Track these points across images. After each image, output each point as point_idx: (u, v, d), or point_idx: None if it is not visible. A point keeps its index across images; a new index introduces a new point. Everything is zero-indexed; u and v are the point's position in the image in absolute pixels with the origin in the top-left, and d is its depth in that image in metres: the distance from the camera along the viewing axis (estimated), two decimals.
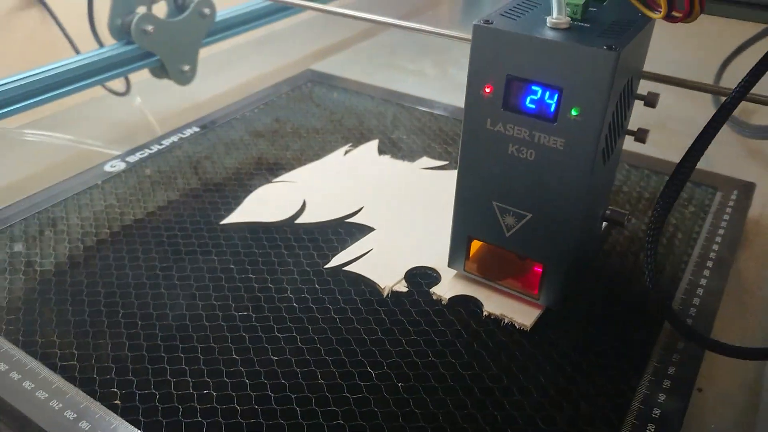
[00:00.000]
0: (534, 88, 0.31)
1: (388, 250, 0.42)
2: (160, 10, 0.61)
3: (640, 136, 0.37)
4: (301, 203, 0.47)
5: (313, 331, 0.36)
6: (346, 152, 0.54)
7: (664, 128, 0.64)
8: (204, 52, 0.64)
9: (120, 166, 0.52)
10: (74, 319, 0.37)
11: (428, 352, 0.35)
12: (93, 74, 0.56)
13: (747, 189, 0.50)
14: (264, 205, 0.47)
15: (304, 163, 0.52)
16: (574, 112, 0.31)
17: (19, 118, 0.55)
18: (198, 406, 0.32)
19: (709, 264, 0.42)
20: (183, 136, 0.56)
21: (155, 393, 0.32)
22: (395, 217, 0.45)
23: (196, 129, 0.58)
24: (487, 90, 0.33)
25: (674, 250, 0.43)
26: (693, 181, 0.51)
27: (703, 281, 0.40)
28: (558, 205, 0.34)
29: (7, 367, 0.33)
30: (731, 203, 0.49)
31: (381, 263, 0.41)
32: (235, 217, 0.46)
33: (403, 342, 0.36)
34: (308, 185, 0.49)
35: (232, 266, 0.41)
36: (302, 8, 0.68)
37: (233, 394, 0.33)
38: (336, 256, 0.42)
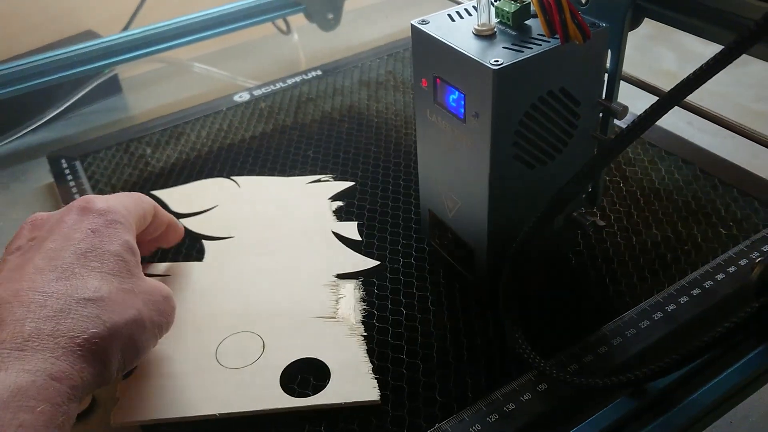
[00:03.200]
0: (451, 89, 0.34)
1: None
2: None
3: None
4: None
5: None
6: None
7: None
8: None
9: (245, 97, 0.64)
10: None
11: None
12: (249, 17, 0.68)
13: None
14: None
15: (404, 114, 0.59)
16: (474, 117, 0.33)
17: (198, 49, 0.71)
18: None
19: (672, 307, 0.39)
20: (305, 77, 0.66)
21: None
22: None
23: (319, 73, 0.67)
24: (424, 83, 0.36)
25: (662, 270, 0.41)
26: (758, 197, 0.46)
27: (643, 324, 0.37)
28: (476, 198, 0.36)
29: None
30: None
31: None
32: None
33: None
34: None
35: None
36: None
37: None
38: None
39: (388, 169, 0.52)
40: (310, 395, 0.35)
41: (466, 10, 0.35)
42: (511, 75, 0.31)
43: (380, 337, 0.38)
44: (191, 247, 0.46)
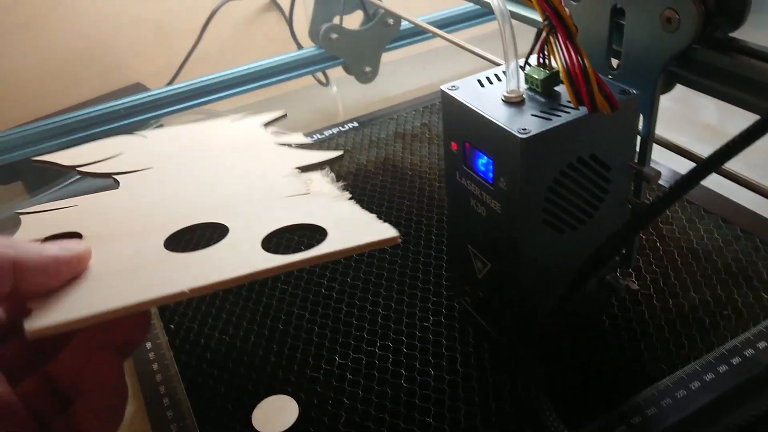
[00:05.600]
0: (479, 153, 0.34)
1: None
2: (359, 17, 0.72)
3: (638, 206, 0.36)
4: None
5: None
6: None
7: None
8: (415, 50, 0.74)
9: None
10: None
11: None
12: (289, 71, 0.70)
13: None
14: None
15: (425, 166, 0.59)
16: (502, 182, 0.33)
17: (240, 100, 0.73)
18: None
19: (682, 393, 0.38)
20: (342, 129, 0.68)
21: None
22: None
23: (355, 124, 0.68)
24: (453, 147, 0.36)
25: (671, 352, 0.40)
26: None
27: (680, 393, 0.36)
28: (505, 261, 0.36)
29: None
30: None
31: None
32: None
33: None
34: None
35: None
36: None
37: None
38: None
39: (420, 224, 0.53)
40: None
41: (495, 75, 0.36)
42: (539, 143, 0.31)
43: (407, 399, 0.38)
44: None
